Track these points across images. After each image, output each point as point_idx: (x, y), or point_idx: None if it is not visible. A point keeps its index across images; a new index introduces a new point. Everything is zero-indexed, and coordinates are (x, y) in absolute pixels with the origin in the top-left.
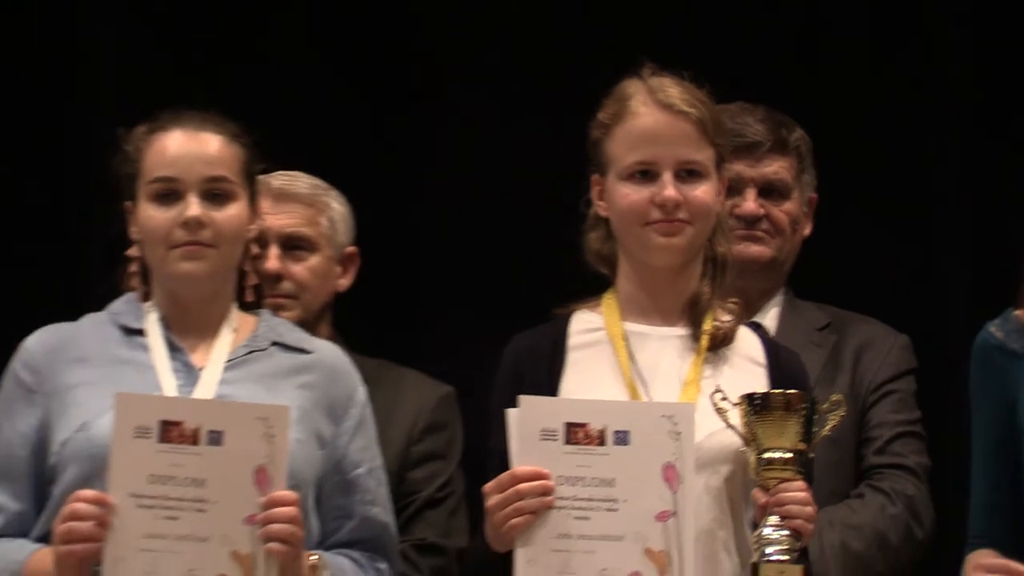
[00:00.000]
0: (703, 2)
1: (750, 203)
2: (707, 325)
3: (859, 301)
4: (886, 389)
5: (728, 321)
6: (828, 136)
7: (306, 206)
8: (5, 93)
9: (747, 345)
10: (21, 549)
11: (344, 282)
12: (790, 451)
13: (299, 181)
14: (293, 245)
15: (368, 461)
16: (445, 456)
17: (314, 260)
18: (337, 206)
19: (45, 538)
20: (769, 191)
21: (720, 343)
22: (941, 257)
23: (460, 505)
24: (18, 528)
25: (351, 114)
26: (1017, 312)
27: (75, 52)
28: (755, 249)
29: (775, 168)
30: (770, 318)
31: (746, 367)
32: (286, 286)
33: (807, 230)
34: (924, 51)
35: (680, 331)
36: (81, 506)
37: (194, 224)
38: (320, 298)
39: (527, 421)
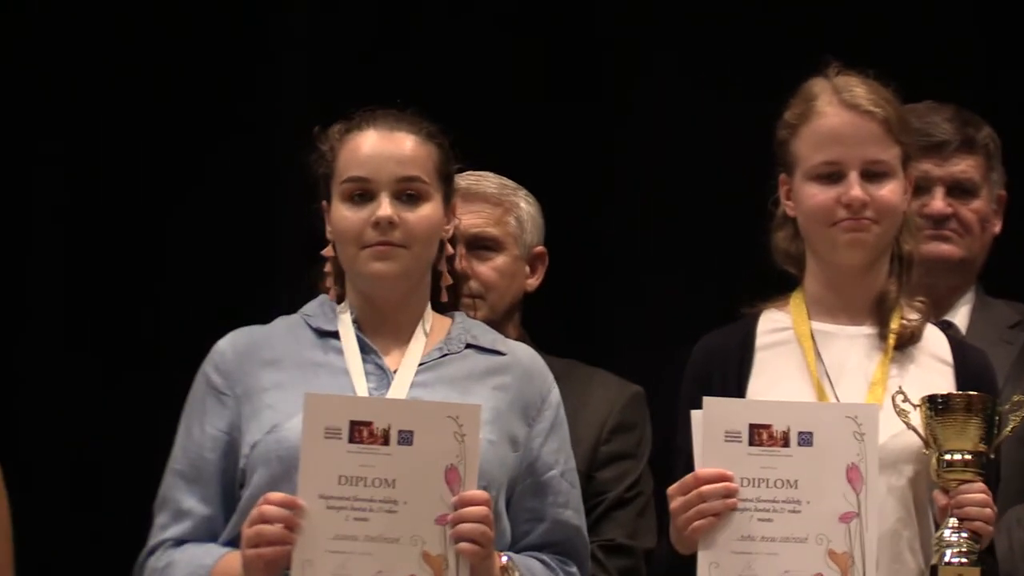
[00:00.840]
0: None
1: (938, 202)
2: (894, 324)
3: None
4: None
5: (915, 320)
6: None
7: (493, 205)
8: None
9: (934, 344)
10: (209, 553)
11: (533, 282)
12: (971, 453)
13: (487, 180)
14: (480, 245)
15: (561, 463)
16: (634, 456)
17: (500, 260)
18: (525, 206)
19: (234, 542)
20: (957, 190)
21: (907, 342)
22: None
23: (648, 505)
24: (207, 532)
25: (541, 114)
26: None
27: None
28: (944, 248)
29: (963, 167)
30: (960, 316)
31: (933, 366)
32: (472, 286)
33: (997, 228)
34: None
35: (867, 330)
36: (270, 509)
37: (385, 224)
38: (507, 298)
39: (711, 423)
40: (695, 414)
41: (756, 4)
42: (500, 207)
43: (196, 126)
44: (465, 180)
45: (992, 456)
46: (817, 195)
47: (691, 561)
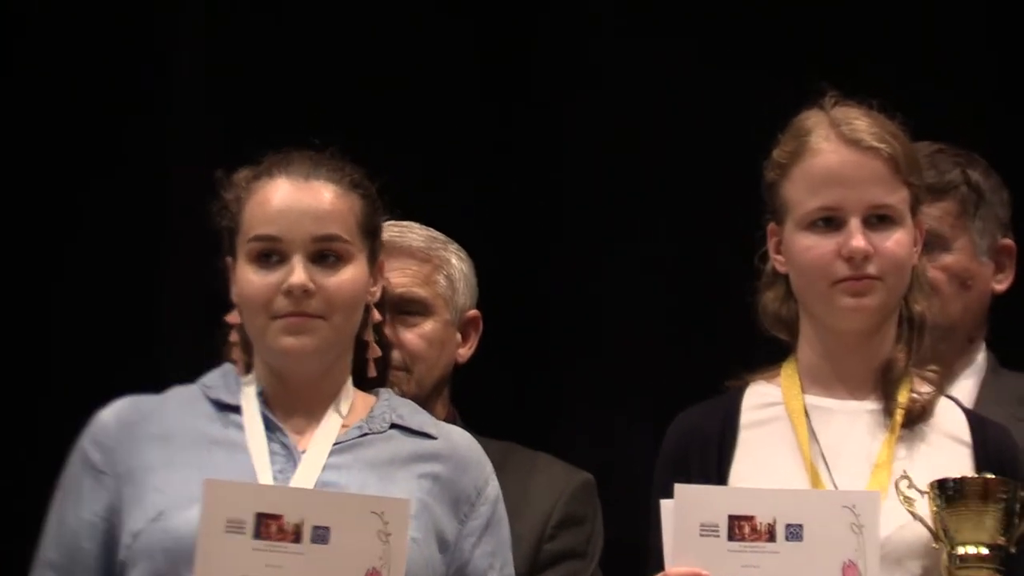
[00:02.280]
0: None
1: None
2: (902, 397)
3: None
4: None
5: (927, 393)
6: None
7: (421, 262)
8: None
9: (948, 420)
10: None
11: (464, 351)
12: (988, 547)
13: (412, 232)
14: (405, 308)
15: (497, 568)
16: (584, 555)
17: (429, 326)
18: (457, 263)
19: None
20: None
21: (917, 418)
22: None
23: None
24: None
25: (479, 164)
26: None
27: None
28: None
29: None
30: (965, 389)
31: (948, 446)
32: (396, 356)
33: (1006, 284)
34: None
35: (871, 405)
36: None
37: (299, 293)
38: (436, 370)
39: (684, 513)
40: (665, 504)
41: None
42: (428, 264)
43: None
44: (387, 232)
45: (1014, 550)
46: (812, 247)
47: None
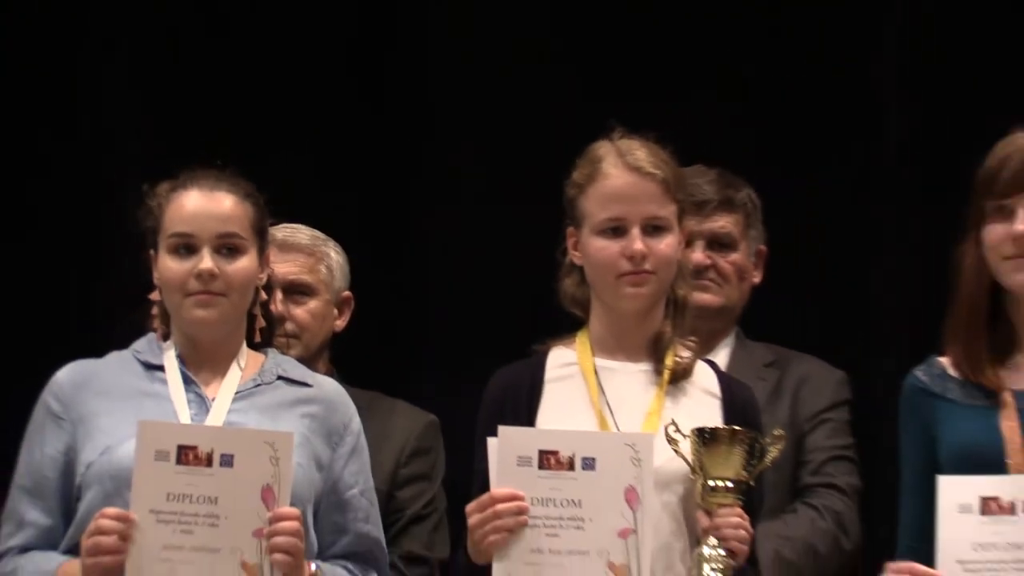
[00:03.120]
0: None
1: (697, 254)
2: (668, 361)
3: (807, 344)
4: (822, 418)
5: (687, 357)
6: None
7: (307, 255)
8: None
9: (704, 379)
10: (50, 560)
11: (340, 323)
12: (732, 480)
13: (300, 233)
14: (295, 290)
15: (361, 483)
16: (429, 477)
17: (313, 304)
18: (335, 255)
19: (72, 550)
20: (716, 244)
21: (680, 377)
22: (878, 308)
23: (442, 521)
24: (47, 541)
25: (354, 172)
26: (940, 359)
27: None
28: (704, 297)
29: (722, 223)
30: (722, 356)
31: (703, 399)
32: (288, 327)
33: (756, 279)
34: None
35: (644, 367)
36: (106, 522)
37: (207, 276)
38: (318, 338)
39: (505, 449)
40: (491, 441)
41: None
42: (313, 257)
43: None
44: (281, 232)
45: (753, 484)
46: (603, 248)
47: (485, 571)
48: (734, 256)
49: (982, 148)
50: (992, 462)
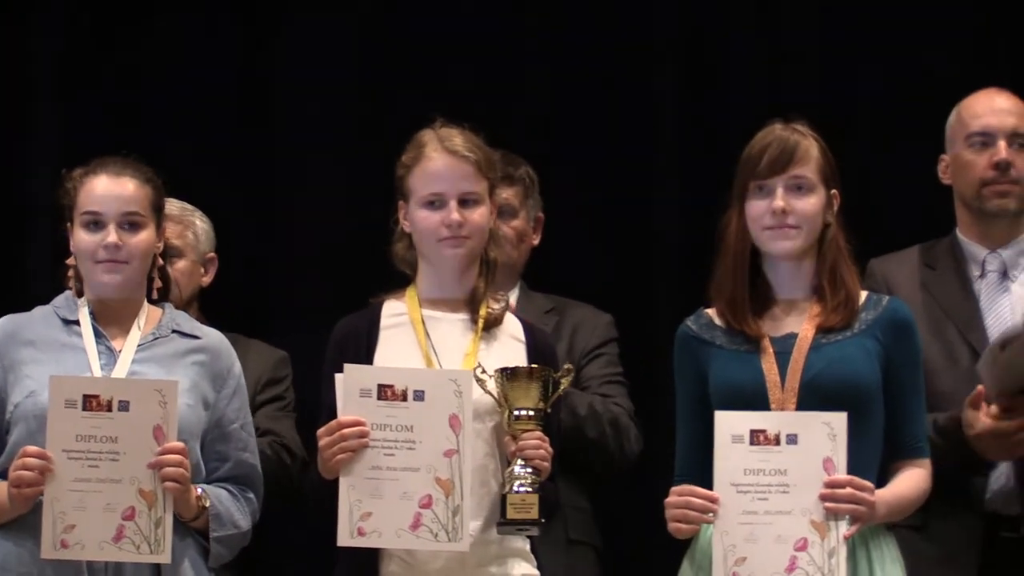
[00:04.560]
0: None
1: None
2: (483, 311)
3: (594, 296)
4: (595, 353)
5: (497, 308)
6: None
7: (176, 223)
8: None
9: (511, 327)
10: None
11: (207, 279)
12: (532, 409)
13: (171, 204)
14: (168, 253)
15: (241, 419)
16: (282, 399)
17: (182, 264)
18: (200, 223)
19: (1, 475)
20: (499, 212)
21: (492, 325)
22: (654, 260)
23: (289, 412)
24: None
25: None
26: (707, 311)
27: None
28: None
29: (504, 195)
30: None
31: (511, 344)
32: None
33: (535, 240)
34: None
35: (462, 316)
36: (27, 460)
37: (112, 247)
38: (187, 291)
39: (350, 383)
40: (338, 376)
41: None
42: (181, 224)
43: None
44: None
45: (549, 411)
46: (427, 218)
47: (332, 485)
48: (514, 222)
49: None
50: (755, 398)
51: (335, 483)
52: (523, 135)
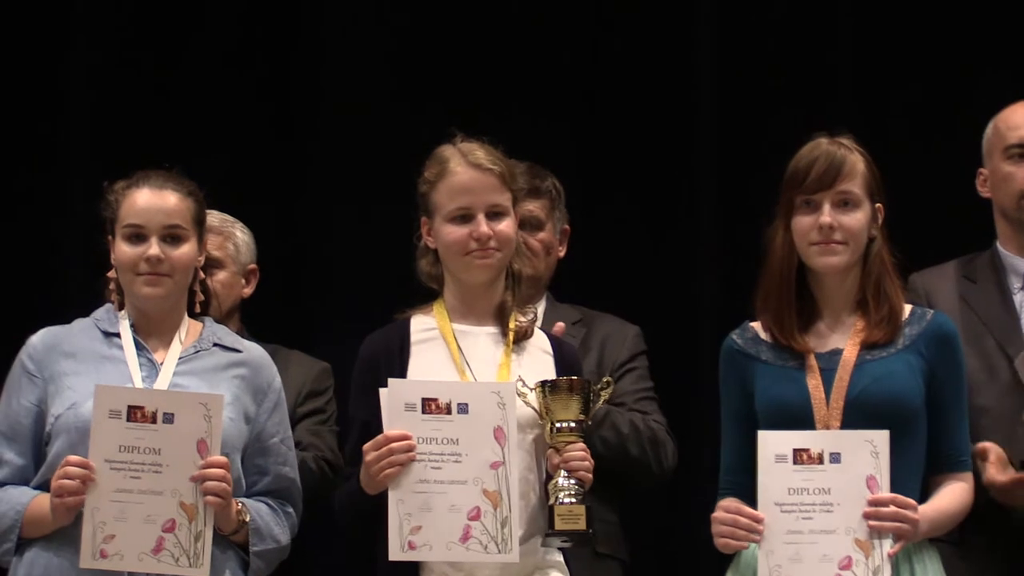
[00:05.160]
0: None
1: None
2: (511, 324)
3: (637, 310)
4: (626, 368)
5: (525, 321)
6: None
7: (216, 235)
8: None
9: (539, 339)
10: (24, 494)
11: (248, 291)
12: (574, 422)
13: (211, 216)
14: (206, 264)
15: (281, 432)
16: (323, 412)
17: (223, 275)
18: (241, 234)
19: (41, 487)
20: (526, 225)
21: (521, 337)
22: (701, 276)
23: (332, 426)
24: (21, 478)
25: (266, 174)
26: (752, 324)
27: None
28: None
29: (530, 207)
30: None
31: (539, 356)
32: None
33: (561, 253)
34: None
35: (491, 329)
36: (71, 468)
37: (154, 260)
38: (228, 302)
39: (395, 397)
40: (383, 391)
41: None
42: (221, 235)
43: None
44: None
45: (590, 423)
46: (454, 232)
47: (376, 500)
48: (541, 235)
49: None
50: (800, 415)
51: (379, 497)
52: (556, 143)
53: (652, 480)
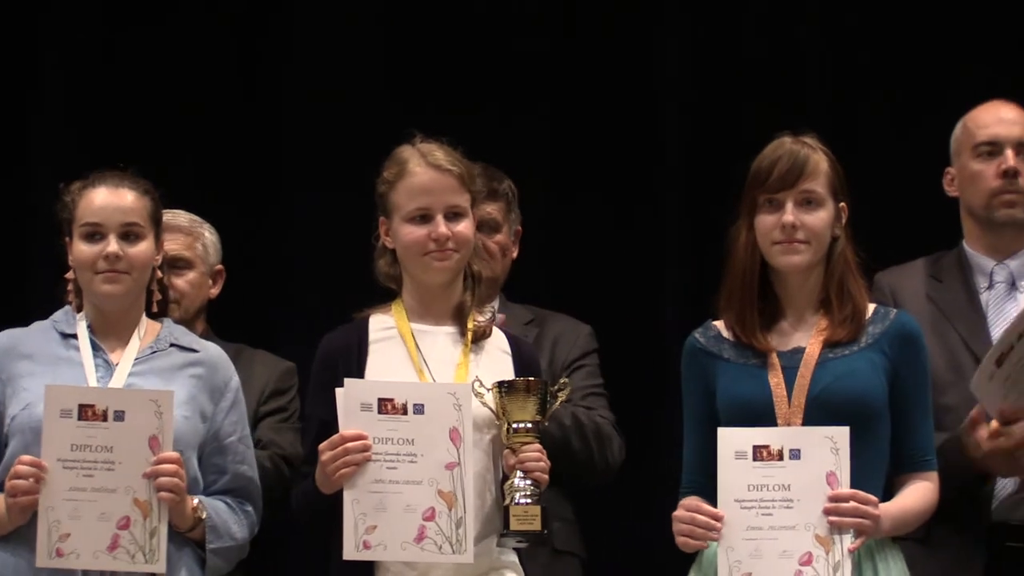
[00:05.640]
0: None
1: None
2: (470, 324)
3: (598, 310)
4: (576, 365)
5: (483, 321)
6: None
7: (185, 235)
8: None
9: (498, 339)
10: None
11: (215, 291)
12: (530, 422)
13: (180, 217)
14: (175, 264)
15: (239, 431)
16: (285, 410)
17: (191, 275)
18: (209, 235)
19: (1, 488)
20: (485, 227)
21: (479, 337)
22: (665, 271)
23: (293, 424)
24: None
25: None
26: (715, 323)
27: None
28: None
29: (489, 210)
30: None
31: (498, 355)
32: (171, 294)
33: (514, 254)
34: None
35: (450, 329)
36: (22, 468)
37: (112, 258)
38: (196, 303)
39: (351, 397)
40: (339, 391)
41: None
42: (191, 236)
43: None
44: (165, 216)
45: (546, 424)
46: (412, 233)
47: (331, 499)
48: (498, 237)
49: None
50: (762, 413)
51: (335, 497)
52: (524, 141)
53: (596, 475)
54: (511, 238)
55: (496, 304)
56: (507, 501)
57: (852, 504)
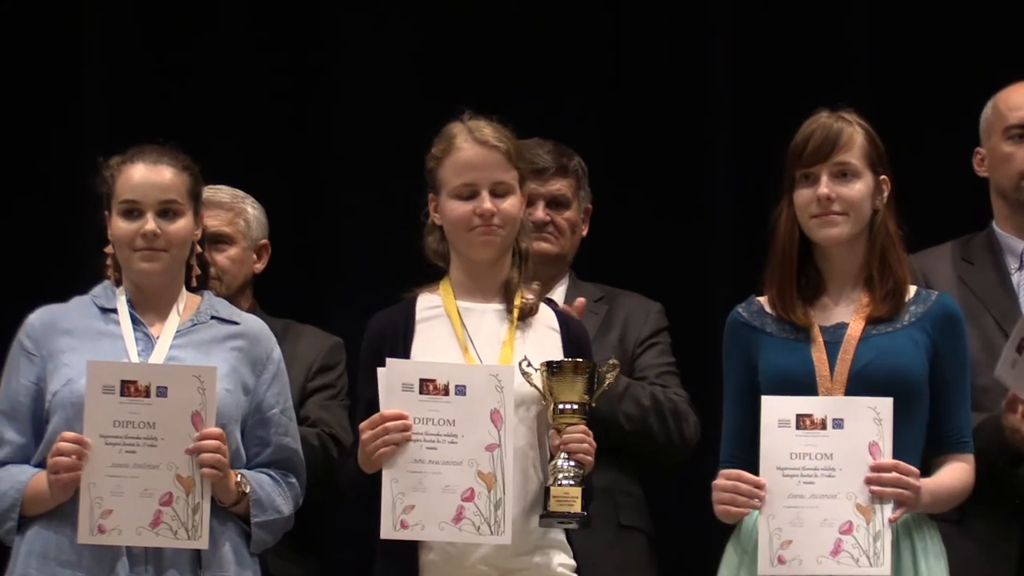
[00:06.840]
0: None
1: (539, 212)
2: (517, 301)
3: (651, 285)
4: (648, 343)
5: (531, 299)
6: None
7: (227, 211)
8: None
9: (546, 316)
10: (24, 472)
11: (259, 266)
12: (577, 403)
13: (221, 192)
14: (217, 240)
15: (281, 403)
16: (333, 387)
17: (233, 251)
18: (251, 210)
19: (42, 464)
20: (554, 203)
21: (527, 314)
22: (710, 249)
23: (341, 401)
24: (21, 456)
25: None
26: (758, 298)
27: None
28: (543, 247)
29: (558, 186)
30: (559, 295)
31: (546, 333)
32: (213, 271)
33: (584, 232)
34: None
35: (497, 306)
36: (64, 445)
37: (150, 235)
38: (238, 279)
39: (392, 377)
40: (381, 370)
41: None
42: (232, 211)
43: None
44: (207, 191)
45: (594, 405)
46: (458, 208)
47: (373, 478)
48: (567, 213)
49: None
50: (804, 387)
51: (376, 476)
52: (578, 127)
53: (674, 452)
54: (581, 215)
55: (566, 282)
56: (549, 482)
57: (894, 474)
